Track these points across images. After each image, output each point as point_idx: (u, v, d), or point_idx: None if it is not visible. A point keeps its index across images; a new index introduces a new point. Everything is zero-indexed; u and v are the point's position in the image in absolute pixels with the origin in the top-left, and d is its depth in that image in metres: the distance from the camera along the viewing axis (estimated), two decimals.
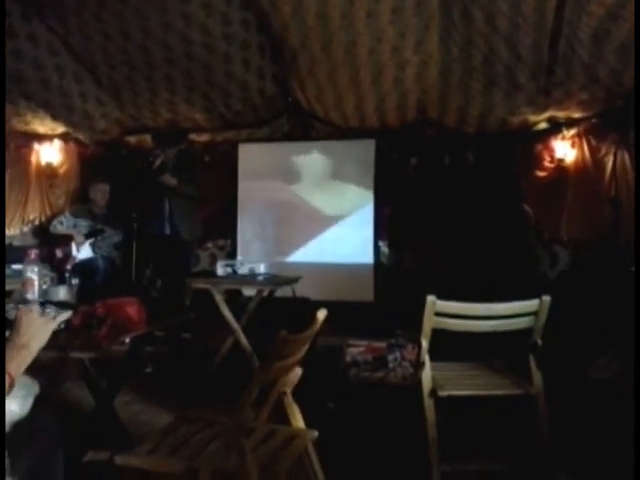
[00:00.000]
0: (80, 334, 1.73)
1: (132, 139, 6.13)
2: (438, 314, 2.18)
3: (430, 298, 2.14)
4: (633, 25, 3.31)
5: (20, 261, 4.15)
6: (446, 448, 2.23)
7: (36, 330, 1.25)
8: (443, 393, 2.21)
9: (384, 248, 5.72)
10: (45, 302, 1.61)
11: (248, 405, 1.67)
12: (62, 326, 1.53)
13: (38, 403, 1.49)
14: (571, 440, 2.47)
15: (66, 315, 1.43)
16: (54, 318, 1.32)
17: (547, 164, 5.05)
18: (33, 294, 2.00)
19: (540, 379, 2.25)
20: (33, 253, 2.09)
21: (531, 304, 2.20)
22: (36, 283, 2.00)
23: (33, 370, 1.46)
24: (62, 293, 1.94)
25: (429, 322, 2.18)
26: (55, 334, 1.69)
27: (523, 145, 5.21)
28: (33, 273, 2.00)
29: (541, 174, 5.11)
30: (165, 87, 5.27)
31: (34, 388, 1.45)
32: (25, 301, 2.02)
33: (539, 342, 2.25)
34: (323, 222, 5.90)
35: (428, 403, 2.24)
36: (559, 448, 2.28)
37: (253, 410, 1.79)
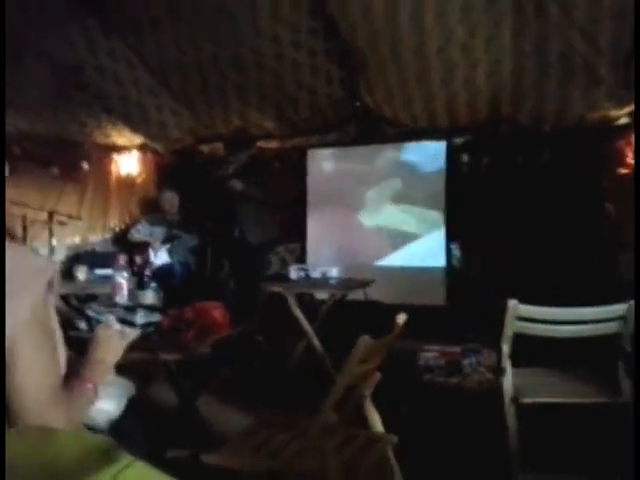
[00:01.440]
0: (169, 336, 1.80)
1: (205, 147, 6.32)
2: (520, 318, 2.12)
3: (512, 302, 2.09)
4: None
5: (103, 266, 4.39)
6: (526, 457, 2.16)
7: (113, 347, 1.31)
8: (527, 400, 2.15)
9: (456, 251, 5.62)
10: (136, 306, 1.69)
11: (330, 408, 1.68)
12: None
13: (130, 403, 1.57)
14: None
15: (137, 332, 1.49)
16: (126, 334, 1.38)
17: (630, 160, 4.82)
18: (122, 298, 2.10)
19: (629, 387, 2.14)
20: (122, 259, 2.19)
21: (618, 308, 2.11)
22: (125, 287, 2.10)
23: (126, 371, 1.54)
24: (150, 297, 2.03)
25: (510, 327, 2.13)
26: (146, 336, 1.78)
27: (603, 141, 4.99)
28: (122, 278, 2.10)
29: (623, 171, 4.88)
30: (236, 96, 5.41)
31: (130, 389, 1.52)
32: (114, 304, 2.13)
33: (628, 348, 2.15)
34: (393, 225, 5.86)
35: (509, 410, 2.18)
36: None
37: (334, 413, 1.81)
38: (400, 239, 5.85)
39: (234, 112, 5.67)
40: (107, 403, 1.38)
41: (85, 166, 5.91)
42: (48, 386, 1.09)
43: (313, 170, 6.20)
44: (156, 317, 1.84)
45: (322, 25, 4.53)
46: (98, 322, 1.78)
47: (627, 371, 2.14)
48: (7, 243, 1.10)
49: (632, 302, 2.11)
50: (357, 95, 5.30)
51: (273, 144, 6.15)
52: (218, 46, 4.83)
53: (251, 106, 5.54)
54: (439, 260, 5.62)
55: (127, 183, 6.26)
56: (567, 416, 2.29)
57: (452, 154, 5.64)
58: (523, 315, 2.09)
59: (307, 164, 6.19)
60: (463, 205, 5.50)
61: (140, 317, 1.83)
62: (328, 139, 5.97)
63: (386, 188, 5.94)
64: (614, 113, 4.73)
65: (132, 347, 1.54)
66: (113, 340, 1.31)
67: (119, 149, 6.23)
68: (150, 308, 1.89)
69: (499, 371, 2.21)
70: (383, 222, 5.92)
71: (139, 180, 6.33)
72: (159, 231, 5.31)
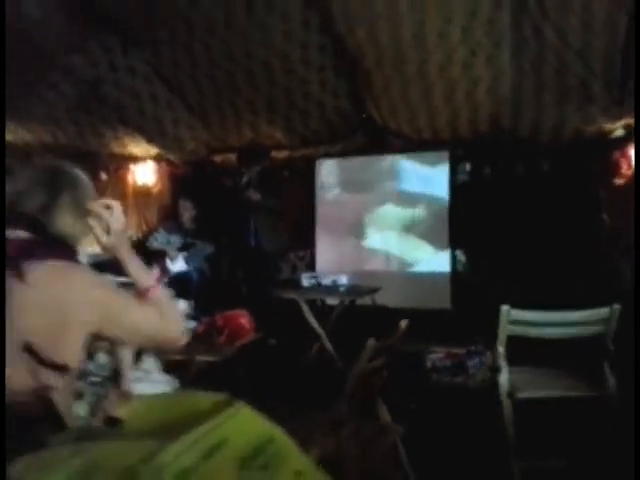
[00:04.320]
0: (203, 341, 2.05)
1: (218, 158, 6.57)
2: (513, 322, 2.36)
3: (504, 307, 2.32)
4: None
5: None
6: (522, 446, 2.39)
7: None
8: (522, 395, 2.39)
9: (460, 256, 5.84)
10: None
11: (343, 401, 1.93)
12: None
13: None
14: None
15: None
16: None
17: (625, 171, 5.04)
18: None
19: (614, 382, 2.38)
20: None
21: (602, 311, 2.34)
22: None
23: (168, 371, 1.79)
24: (183, 306, 2.27)
25: (504, 330, 2.37)
26: None
27: (599, 153, 5.21)
28: None
29: (619, 181, 5.10)
30: (248, 110, 5.66)
31: (173, 383, 1.77)
32: None
33: (611, 347, 2.38)
34: (399, 232, 6.10)
35: (507, 404, 2.42)
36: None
37: (347, 406, 2.04)
38: (406, 248, 6.08)
39: (246, 124, 5.93)
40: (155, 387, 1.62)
41: (103, 176, 6.16)
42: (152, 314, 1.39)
43: (322, 180, 6.45)
44: (189, 324, 2.09)
45: (330, 43, 4.78)
46: None
47: (611, 367, 2.38)
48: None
49: (615, 306, 2.34)
50: (363, 108, 5.54)
51: (283, 154, 6.41)
52: (231, 62, 5.09)
53: (262, 118, 5.79)
54: (444, 265, 5.84)
55: (144, 192, 6.50)
56: (558, 409, 2.51)
57: (455, 164, 5.87)
58: (515, 319, 2.33)
59: (316, 173, 6.44)
60: (466, 213, 5.73)
61: None
62: (336, 149, 6.22)
63: (389, 193, 6.17)
64: (609, 127, 4.96)
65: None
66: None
67: (136, 159, 6.49)
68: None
69: (496, 369, 2.44)
70: (389, 234, 6.15)
71: (155, 190, 6.57)
72: (176, 239, 5.54)
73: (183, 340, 1.44)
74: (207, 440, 1.15)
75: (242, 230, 5.05)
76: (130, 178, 6.50)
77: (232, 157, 6.24)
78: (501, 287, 4.40)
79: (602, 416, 2.39)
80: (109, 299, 1.35)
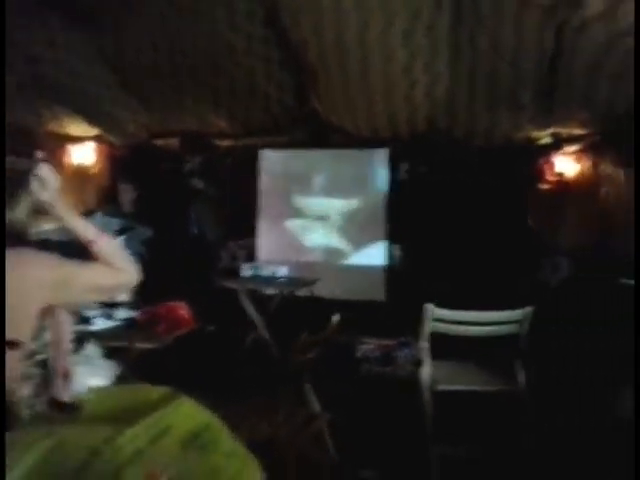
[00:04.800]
0: (144, 329, 2.14)
1: (159, 142, 6.50)
2: (436, 319, 2.55)
3: (428, 306, 2.51)
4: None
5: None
6: (439, 433, 2.60)
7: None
8: (439, 387, 2.59)
9: (396, 251, 6.06)
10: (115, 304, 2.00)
11: (277, 388, 2.06)
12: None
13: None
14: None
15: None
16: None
17: (549, 177, 5.38)
18: None
19: (524, 379, 2.62)
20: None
21: (515, 313, 2.57)
22: None
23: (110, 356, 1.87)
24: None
25: (427, 326, 2.56)
26: (125, 328, 2.13)
27: (527, 159, 5.53)
28: None
29: (543, 187, 5.44)
30: (192, 97, 5.64)
31: (115, 369, 1.86)
32: None
33: (523, 347, 2.61)
34: (337, 225, 6.27)
35: (426, 396, 2.62)
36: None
37: (279, 395, 2.19)
38: (344, 241, 6.27)
39: (189, 111, 5.90)
40: (96, 379, 1.69)
41: (40, 155, 5.98)
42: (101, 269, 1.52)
43: (264, 170, 6.52)
44: (133, 313, 2.17)
45: (275, 35, 4.82)
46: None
47: (522, 365, 2.61)
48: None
49: (528, 308, 2.57)
50: (307, 102, 5.63)
51: (226, 143, 6.42)
52: (176, 51, 5.06)
53: (206, 106, 5.78)
54: (379, 259, 6.06)
55: (82, 173, 6.37)
56: (474, 401, 2.74)
57: (393, 162, 6.08)
58: (438, 317, 2.52)
59: (258, 163, 6.50)
60: (403, 209, 5.95)
61: (120, 313, 2.16)
62: (279, 141, 6.29)
63: (330, 188, 6.33)
64: (536, 134, 5.27)
65: (115, 337, 1.90)
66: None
67: (74, 139, 6.33)
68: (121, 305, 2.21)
69: (417, 363, 2.63)
70: (328, 226, 6.31)
71: (94, 171, 6.45)
72: (114, 222, 5.47)
73: (137, 279, 1.59)
74: (156, 426, 1.40)
75: (183, 217, 5.06)
76: (68, 158, 6.35)
77: (174, 141, 6.21)
78: (431, 284, 4.63)
79: (513, 409, 2.63)
80: (57, 272, 1.47)
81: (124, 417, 1.40)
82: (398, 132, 5.73)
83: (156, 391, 1.58)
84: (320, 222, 6.32)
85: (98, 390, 1.66)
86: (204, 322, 4.36)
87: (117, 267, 1.55)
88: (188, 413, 1.51)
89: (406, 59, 4.64)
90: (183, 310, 2.26)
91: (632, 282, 3.59)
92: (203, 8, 4.50)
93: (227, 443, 1.51)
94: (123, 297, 2.33)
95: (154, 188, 5.73)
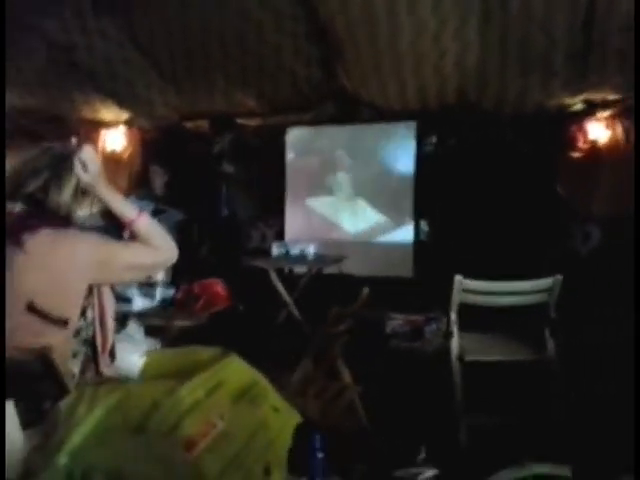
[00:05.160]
0: (182, 307, 2.22)
1: (189, 124, 6.58)
2: (465, 291, 2.56)
3: (457, 277, 2.52)
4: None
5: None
6: (471, 406, 2.62)
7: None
8: (469, 358, 2.61)
9: (424, 226, 6.03)
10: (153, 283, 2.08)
11: (309, 363, 2.12)
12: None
13: None
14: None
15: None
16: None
17: (581, 145, 5.26)
18: None
19: (553, 347, 2.62)
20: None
21: (544, 282, 2.55)
22: None
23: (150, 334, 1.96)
24: (161, 273, 2.42)
25: (457, 297, 2.57)
26: (163, 307, 2.21)
27: (559, 126, 5.41)
28: None
29: (575, 154, 5.32)
30: (221, 77, 5.67)
31: (156, 345, 1.95)
32: None
33: (553, 315, 2.61)
34: (364, 202, 6.26)
35: (456, 367, 2.64)
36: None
37: (312, 368, 2.25)
38: (372, 217, 6.26)
39: (218, 91, 5.94)
40: (138, 356, 1.77)
41: (74, 141, 6.13)
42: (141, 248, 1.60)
43: (292, 148, 6.53)
44: (171, 292, 2.25)
45: (303, 12, 4.81)
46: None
47: (551, 334, 2.61)
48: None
49: (558, 276, 2.56)
50: (335, 78, 5.61)
51: (254, 122, 6.45)
52: (205, 30, 5.10)
53: (234, 86, 5.82)
54: (408, 235, 6.03)
55: (114, 158, 6.49)
56: (504, 371, 2.75)
57: (422, 136, 6.02)
58: (467, 288, 2.53)
59: (286, 142, 6.51)
60: (431, 184, 5.91)
61: (159, 293, 2.26)
62: (307, 118, 6.29)
63: (360, 164, 6.31)
64: (569, 101, 5.15)
65: (154, 315, 1.99)
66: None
67: (106, 125, 6.46)
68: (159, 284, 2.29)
69: (447, 334, 2.66)
70: (356, 203, 6.30)
71: (126, 155, 6.57)
72: (146, 206, 5.59)
73: (175, 256, 1.67)
74: (210, 380, 1.55)
75: (214, 198, 5.13)
76: (101, 144, 6.49)
77: (203, 123, 6.27)
78: (460, 257, 4.62)
79: (542, 378, 2.64)
80: (101, 251, 1.55)
81: (181, 374, 1.55)
82: (427, 104, 5.67)
83: (207, 351, 1.73)
84: (347, 199, 6.32)
85: (155, 353, 1.81)
86: (236, 301, 4.46)
87: (156, 245, 1.61)
88: (238, 370, 1.67)
89: (436, 27, 4.56)
90: (219, 287, 2.34)
91: None
92: None
93: (273, 398, 1.65)
94: (161, 276, 2.42)
95: (185, 170, 5.82)
